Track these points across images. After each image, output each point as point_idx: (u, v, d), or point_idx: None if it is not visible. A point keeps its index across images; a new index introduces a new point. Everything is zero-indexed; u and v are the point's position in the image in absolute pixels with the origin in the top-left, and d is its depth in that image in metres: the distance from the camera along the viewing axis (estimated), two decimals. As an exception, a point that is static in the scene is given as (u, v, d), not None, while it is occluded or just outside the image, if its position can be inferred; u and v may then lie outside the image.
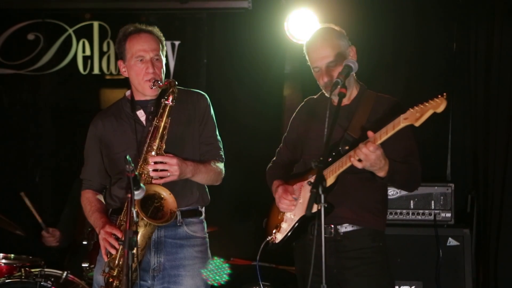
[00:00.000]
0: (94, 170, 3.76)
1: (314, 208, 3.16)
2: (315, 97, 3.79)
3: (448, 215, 4.94)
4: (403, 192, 4.90)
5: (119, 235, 3.43)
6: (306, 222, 3.52)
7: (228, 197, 5.86)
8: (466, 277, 4.82)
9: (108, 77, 6.28)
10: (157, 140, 3.51)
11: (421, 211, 4.94)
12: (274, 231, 3.67)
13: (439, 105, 3.08)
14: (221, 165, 3.75)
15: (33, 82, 6.25)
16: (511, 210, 5.13)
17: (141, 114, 3.68)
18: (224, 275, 3.86)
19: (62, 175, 6.17)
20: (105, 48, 6.22)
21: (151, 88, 3.59)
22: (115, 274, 3.47)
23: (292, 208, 3.58)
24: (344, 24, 4.84)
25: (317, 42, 3.58)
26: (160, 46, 3.68)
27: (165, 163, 3.48)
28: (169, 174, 3.48)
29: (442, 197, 4.95)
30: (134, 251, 3.11)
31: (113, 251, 3.45)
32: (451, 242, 4.85)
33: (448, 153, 5.61)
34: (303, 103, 3.85)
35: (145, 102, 3.69)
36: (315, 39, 3.61)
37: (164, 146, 3.52)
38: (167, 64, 5.87)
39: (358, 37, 5.02)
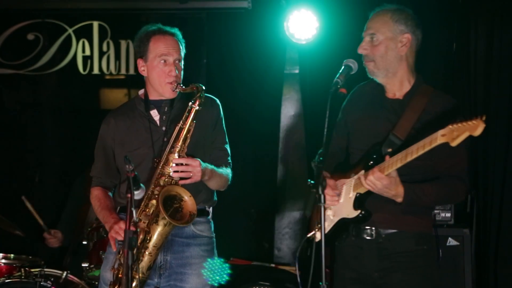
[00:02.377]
0: (104, 168, 3.78)
1: (355, 213, 3.20)
2: (368, 84, 3.62)
3: (448, 215, 4.93)
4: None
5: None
6: (347, 223, 3.43)
7: (227, 197, 5.84)
8: (466, 277, 4.82)
9: (108, 77, 6.28)
10: (180, 142, 3.54)
11: (421, 211, 4.93)
12: (315, 229, 3.46)
13: (476, 127, 2.94)
14: (230, 172, 3.80)
15: (33, 82, 6.25)
16: (511, 210, 5.14)
17: (154, 114, 3.72)
18: (225, 276, 3.84)
19: (62, 175, 6.17)
20: (104, 48, 6.22)
21: (173, 91, 3.65)
22: None
23: (334, 204, 3.42)
24: (344, 25, 4.85)
25: (374, 14, 3.52)
26: (181, 48, 3.73)
27: (188, 165, 3.52)
28: (191, 175, 3.52)
29: (442, 197, 4.94)
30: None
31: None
32: (451, 242, 4.84)
33: (448, 153, 5.60)
34: (356, 88, 3.68)
35: (159, 102, 3.73)
36: (378, 10, 3.53)
37: (186, 149, 3.56)
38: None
39: (358, 37, 5.02)
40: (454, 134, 2.97)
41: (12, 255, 4.93)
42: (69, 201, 5.56)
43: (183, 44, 3.76)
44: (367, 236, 3.39)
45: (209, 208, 3.79)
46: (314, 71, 5.55)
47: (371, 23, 3.49)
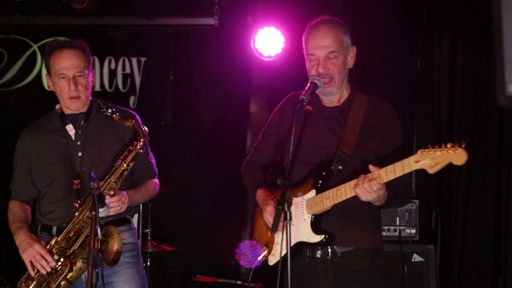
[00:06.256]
0: (22, 182, 3.83)
1: (318, 238, 3.16)
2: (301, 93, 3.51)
3: (413, 231, 4.97)
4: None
5: (53, 263, 3.54)
6: (302, 244, 3.32)
7: (194, 214, 5.83)
8: (431, 293, 4.86)
9: (73, 94, 6.21)
10: (115, 179, 3.58)
11: (386, 227, 4.95)
12: (265, 252, 3.46)
13: (460, 157, 2.84)
14: (156, 181, 3.89)
15: (-3, 99, 6.18)
16: (475, 226, 5.20)
17: (70, 129, 3.76)
18: (259, 257, 3.66)
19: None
20: (70, 65, 6.16)
21: (75, 105, 3.68)
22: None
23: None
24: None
25: (322, 30, 3.39)
26: (84, 61, 3.68)
27: (119, 201, 3.57)
28: (120, 209, 3.58)
29: (407, 213, 4.98)
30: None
31: (43, 271, 3.56)
32: (416, 258, 4.88)
33: (412, 170, 5.65)
34: (289, 96, 3.62)
35: (74, 116, 3.76)
36: (320, 26, 3.40)
37: (119, 185, 3.59)
38: (133, 81, 5.88)
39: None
40: (433, 163, 2.91)
41: (-27, 274, 4.85)
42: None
43: (88, 54, 3.71)
44: (323, 255, 3.32)
45: (130, 216, 3.83)
46: (280, 86, 5.57)
47: (322, 40, 3.36)
